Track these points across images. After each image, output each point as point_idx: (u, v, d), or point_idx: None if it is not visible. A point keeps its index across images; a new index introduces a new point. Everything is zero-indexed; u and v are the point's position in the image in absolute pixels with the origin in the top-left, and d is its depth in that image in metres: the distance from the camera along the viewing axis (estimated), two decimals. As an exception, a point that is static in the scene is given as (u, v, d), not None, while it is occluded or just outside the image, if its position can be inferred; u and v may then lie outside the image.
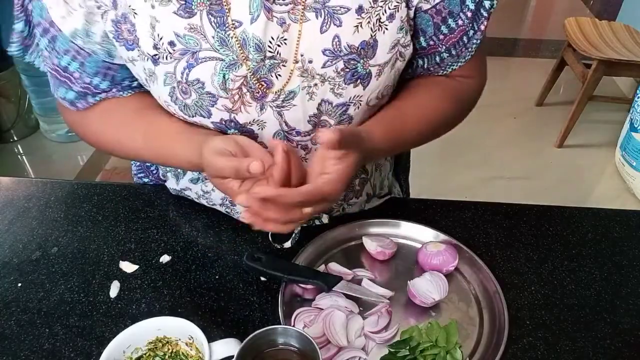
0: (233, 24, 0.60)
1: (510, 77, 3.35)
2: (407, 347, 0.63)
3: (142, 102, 0.72)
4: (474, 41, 0.70)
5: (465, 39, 0.69)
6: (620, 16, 3.23)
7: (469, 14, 0.67)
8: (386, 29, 0.63)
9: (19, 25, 0.68)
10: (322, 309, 0.66)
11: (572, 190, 2.43)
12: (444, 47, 0.70)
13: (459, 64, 0.72)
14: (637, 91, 2.27)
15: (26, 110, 2.58)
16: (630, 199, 2.36)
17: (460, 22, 0.67)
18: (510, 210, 0.85)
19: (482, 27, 0.69)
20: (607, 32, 2.61)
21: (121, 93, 0.72)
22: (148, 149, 0.71)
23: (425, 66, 0.73)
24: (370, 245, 0.75)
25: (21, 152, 2.60)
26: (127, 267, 0.75)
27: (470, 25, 0.68)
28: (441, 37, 0.68)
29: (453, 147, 2.55)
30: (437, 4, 0.65)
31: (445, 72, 0.74)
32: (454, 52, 0.71)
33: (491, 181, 2.45)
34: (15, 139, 2.62)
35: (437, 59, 0.72)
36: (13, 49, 0.71)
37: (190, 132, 0.67)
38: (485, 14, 0.68)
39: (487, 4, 0.67)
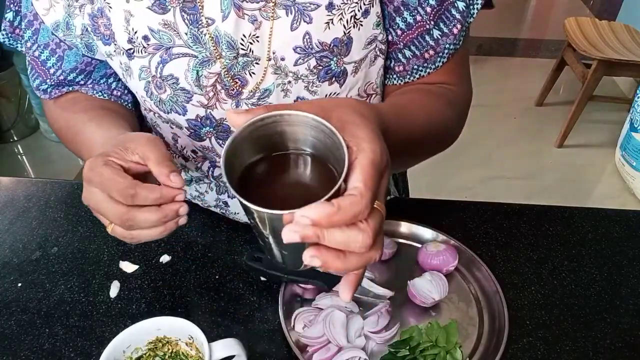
0: (206, 22, 0.60)
1: (510, 77, 3.36)
2: (407, 347, 0.63)
3: (105, 104, 0.72)
4: (446, 46, 0.65)
5: (429, 39, 0.64)
6: (620, 16, 3.23)
7: (429, 10, 0.62)
8: (361, 25, 0.61)
9: (9, 15, 0.70)
10: (322, 309, 0.66)
11: (572, 190, 2.43)
12: (402, 44, 0.66)
13: (428, 70, 0.67)
14: (637, 91, 2.27)
15: (26, 110, 2.58)
16: (630, 199, 2.36)
17: (418, 17, 0.63)
18: (510, 210, 0.85)
19: (455, 31, 0.64)
20: (607, 32, 2.61)
21: (97, 93, 0.73)
22: (73, 133, 0.68)
23: (392, 65, 0.69)
24: (370, 245, 0.75)
25: (21, 152, 2.60)
26: (127, 267, 0.75)
27: (433, 23, 0.63)
28: (399, 32, 0.65)
29: (453, 147, 2.55)
30: None
31: (413, 78, 0.69)
32: (417, 52, 0.66)
33: (491, 181, 2.45)
34: (15, 139, 2.62)
35: (402, 58, 0.67)
36: (0, 37, 0.72)
37: (119, 126, 0.65)
38: (458, 16, 0.63)
39: (460, 5, 0.63)
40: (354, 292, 0.42)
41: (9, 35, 0.72)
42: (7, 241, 0.79)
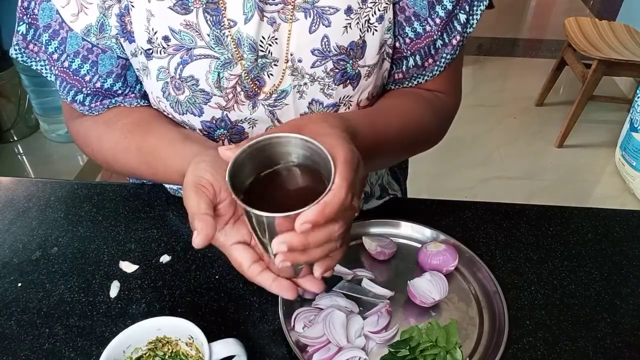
0: (228, 23, 0.60)
1: (510, 77, 3.36)
2: (407, 347, 0.63)
3: (145, 113, 0.69)
4: (444, 55, 0.67)
5: (432, 49, 0.66)
6: (620, 16, 3.23)
7: (438, 21, 0.64)
8: (375, 30, 0.63)
9: (21, 28, 0.67)
10: (322, 309, 0.66)
11: (572, 190, 2.43)
12: (409, 52, 0.67)
13: (426, 77, 0.69)
14: (637, 91, 2.27)
15: (26, 110, 2.58)
16: (630, 199, 2.36)
17: (428, 27, 0.65)
18: (510, 210, 0.85)
19: (454, 42, 0.66)
20: (607, 32, 2.61)
21: (137, 101, 0.70)
22: (141, 162, 0.66)
23: (392, 72, 0.71)
24: (370, 245, 0.75)
25: (21, 152, 2.60)
26: (127, 267, 0.75)
27: (439, 34, 0.65)
28: (407, 40, 0.66)
29: (453, 147, 2.55)
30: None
31: (410, 84, 0.71)
32: (419, 62, 0.68)
33: (491, 181, 2.45)
34: (15, 139, 2.62)
35: (403, 66, 0.69)
36: (13, 52, 0.69)
37: (185, 141, 0.63)
38: (459, 28, 0.65)
39: (462, 17, 0.64)
40: (325, 271, 0.49)
41: (23, 50, 0.68)
42: (7, 241, 0.79)
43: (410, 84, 0.71)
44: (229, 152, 0.47)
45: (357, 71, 0.64)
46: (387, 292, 0.69)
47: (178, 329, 0.58)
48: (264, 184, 0.49)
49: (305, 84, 0.63)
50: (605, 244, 0.80)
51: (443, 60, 0.68)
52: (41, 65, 0.69)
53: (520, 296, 0.72)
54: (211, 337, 0.56)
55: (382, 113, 0.66)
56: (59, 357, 0.64)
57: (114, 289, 0.72)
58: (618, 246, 0.80)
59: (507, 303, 0.68)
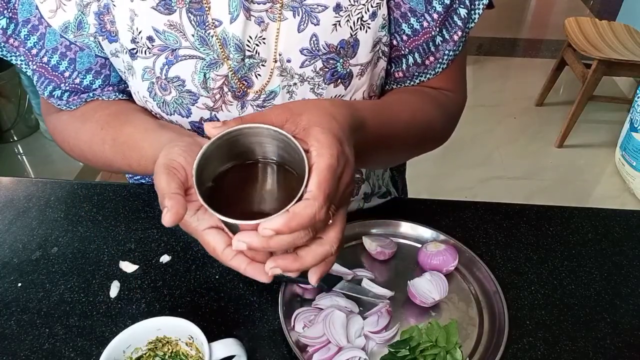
0: (213, 23, 0.59)
1: (510, 77, 3.36)
2: (407, 347, 0.63)
3: (122, 106, 0.68)
4: (446, 52, 0.65)
5: (431, 45, 0.65)
6: (620, 16, 3.23)
7: (435, 16, 0.62)
8: (368, 27, 0.61)
9: (2, 22, 0.66)
10: (322, 309, 0.66)
11: (572, 190, 2.43)
12: (407, 50, 0.66)
13: (428, 75, 0.68)
14: (637, 91, 2.27)
15: (26, 110, 2.58)
16: (630, 199, 2.36)
17: (425, 23, 0.63)
18: (510, 210, 0.85)
19: (455, 38, 0.64)
20: (607, 32, 2.61)
21: (115, 94, 0.69)
22: (116, 152, 0.64)
23: (392, 71, 0.70)
24: (370, 245, 0.75)
25: (21, 152, 2.60)
26: (127, 267, 0.75)
27: (438, 29, 0.64)
28: (404, 37, 0.65)
29: (453, 147, 2.54)
30: None
31: (412, 83, 0.70)
32: (419, 60, 0.66)
33: (491, 181, 2.45)
34: (15, 139, 2.62)
35: (403, 65, 0.68)
36: None
37: (160, 130, 0.60)
38: (459, 23, 0.63)
39: (462, 12, 0.63)
40: (320, 277, 0.48)
41: (3, 45, 0.67)
42: (7, 241, 0.79)
43: (412, 83, 0.70)
44: (215, 130, 0.44)
45: (348, 70, 0.63)
46: (387, 292, 0.69)
47: (178, 329, 0.58)
48: (234, 176, 0.47)
49: (295, 84, 0.63)
50: (605, 244, 0.80)
51: (445, 57, 0.66)
52: (21, 60, 0.68)
53: (520, 296, 0.72)
54: (211, 337, 0.56)
55: (389, 105, 0.64)
56: (59, 357, 0.64)
57: (114, 289, 0.72)
58: (618, 246, 0.80)
59: (507, 303, 0.68)
